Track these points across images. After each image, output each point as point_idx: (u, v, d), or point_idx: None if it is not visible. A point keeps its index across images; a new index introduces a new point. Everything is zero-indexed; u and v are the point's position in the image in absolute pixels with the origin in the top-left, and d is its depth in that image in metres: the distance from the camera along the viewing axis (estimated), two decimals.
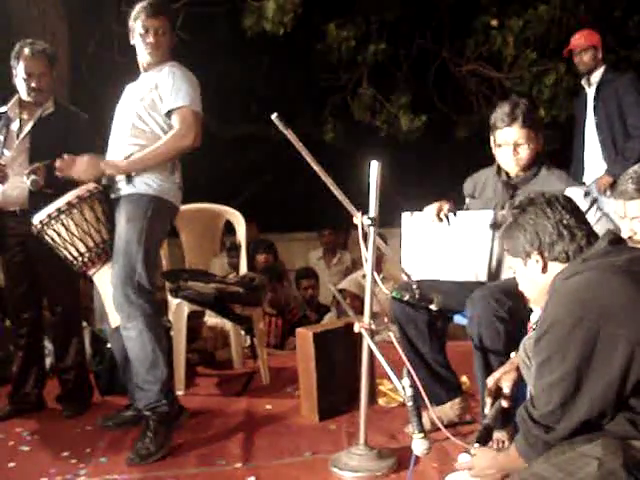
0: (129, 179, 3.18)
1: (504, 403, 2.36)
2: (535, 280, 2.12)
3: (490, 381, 2.41)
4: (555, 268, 2.05)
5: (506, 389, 2.37)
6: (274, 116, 2.66)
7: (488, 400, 2.40)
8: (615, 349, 1.80)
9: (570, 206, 2.10)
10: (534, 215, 2.08)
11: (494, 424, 2.39)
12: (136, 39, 3.33)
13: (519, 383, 2.38)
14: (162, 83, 3.21)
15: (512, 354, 2.52)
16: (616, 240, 2.04)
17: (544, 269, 2.08)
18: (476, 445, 2.24)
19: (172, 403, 3.17)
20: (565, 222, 2.05)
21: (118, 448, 3.16)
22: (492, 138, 3.13)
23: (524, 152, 3.02)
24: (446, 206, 3.14)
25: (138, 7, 3.30)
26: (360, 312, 2.93)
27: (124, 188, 3.21)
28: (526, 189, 3.01)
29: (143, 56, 3.34)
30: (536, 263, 2.08)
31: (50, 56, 3.65)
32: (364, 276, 4.98)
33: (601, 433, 1.85)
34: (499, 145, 3.08)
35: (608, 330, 1.81)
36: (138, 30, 3.29)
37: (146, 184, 3.18)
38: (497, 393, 2.39)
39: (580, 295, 1.88)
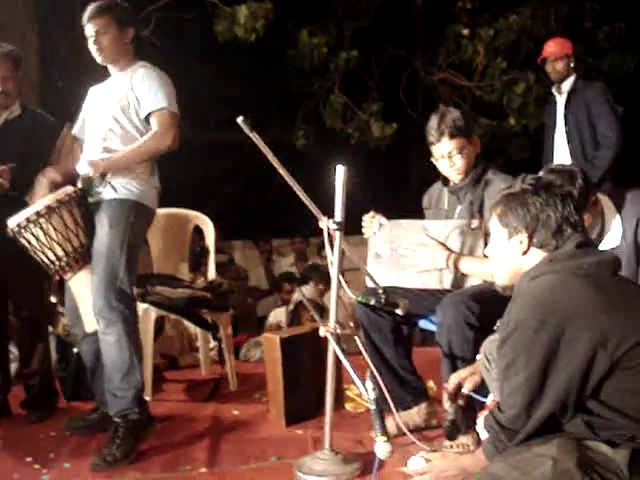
0: (110, 184, 3.15)
1: (461, 402, 2.41)
2: (510, 258, 2.12)
3: (452, 382, 2.45)
4: (534, 255, 2.06)
5: (465, 390, 2.42)
6: (239, 119, 2.63)
7: (447, 401, 2.44)
8: (578, 350, 1.83)
9: (577, 205, 2.09)
10: (543, 201, 2.04)
11: (458, 419, 2.42)
12: (89, 45, 3.29)
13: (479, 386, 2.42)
14: (138, 85, 3.19)
15: (477, 356, 2.55)
16: (584, 243, 2.05)
17: (525, 252, 2.08)
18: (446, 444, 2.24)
19: (143, 411, 3.15)
20: (572, 220, 2.04)
21: (82, 453, 3.13)
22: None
23: (459, 161, 3.11)
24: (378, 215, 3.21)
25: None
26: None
27: (105, 192, 3.18)
28: (473, 193, 3.11)
29: (98, 60, 3.29)
30: (519, 244, 2.08)
31: (15, 58, 3.60)
32: None
33: (557, 434, 1.87)
34: (436, 159, 3.18)
35: (571, 332, 1.83)
36: (87, 37, 3.26)
37: (128, 189, 3.17)
38: (457, 394, 2.43)
39: (544, 298, 1.90)
